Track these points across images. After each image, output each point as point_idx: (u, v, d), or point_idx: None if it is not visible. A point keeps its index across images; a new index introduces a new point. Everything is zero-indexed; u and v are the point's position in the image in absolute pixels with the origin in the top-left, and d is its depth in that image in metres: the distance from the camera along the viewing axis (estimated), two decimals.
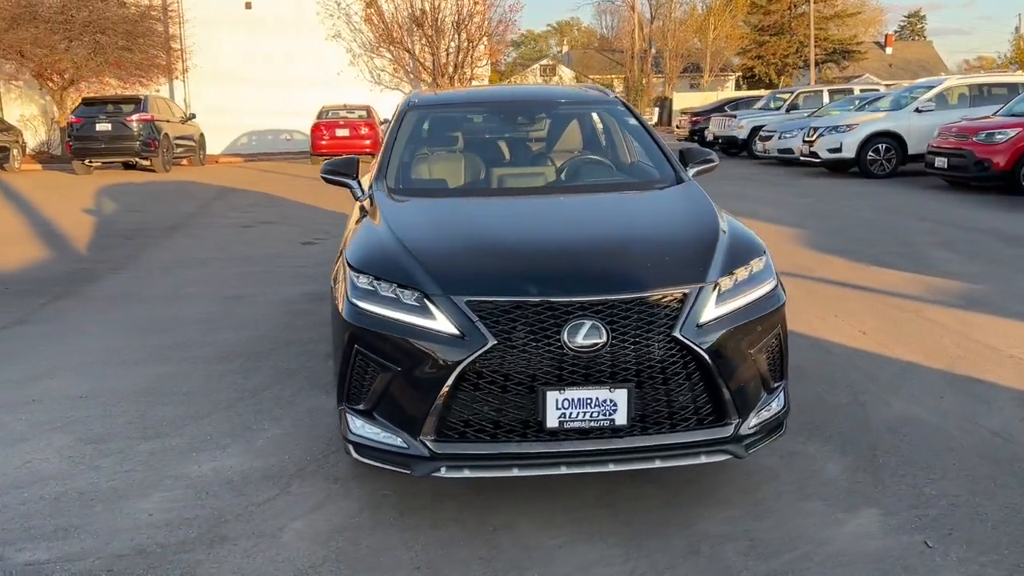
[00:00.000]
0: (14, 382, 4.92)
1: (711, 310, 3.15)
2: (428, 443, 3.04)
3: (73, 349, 5.55)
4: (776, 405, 3.42)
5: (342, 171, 4.40)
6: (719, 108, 26.22)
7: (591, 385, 3.01)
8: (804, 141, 16.82)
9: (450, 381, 2.99)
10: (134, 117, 19.22)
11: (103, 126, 19.15)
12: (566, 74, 57.58)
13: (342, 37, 27.46)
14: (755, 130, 20.75)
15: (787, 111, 21.60)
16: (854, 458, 3.77)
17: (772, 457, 3.75)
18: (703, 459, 3.17)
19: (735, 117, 22.61)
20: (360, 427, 3.23)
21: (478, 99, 5.30)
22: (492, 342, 2.98)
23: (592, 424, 3.04)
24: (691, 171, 4.47)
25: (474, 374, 3.01)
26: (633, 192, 4.23)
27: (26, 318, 6.45)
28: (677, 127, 29.80)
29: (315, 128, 22.22)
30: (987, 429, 4.03)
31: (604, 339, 3.00)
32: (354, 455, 3.27)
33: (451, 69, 27.64)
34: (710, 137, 23.22)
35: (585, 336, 2.99)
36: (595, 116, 5.07)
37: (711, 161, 4.58)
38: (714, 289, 3.20)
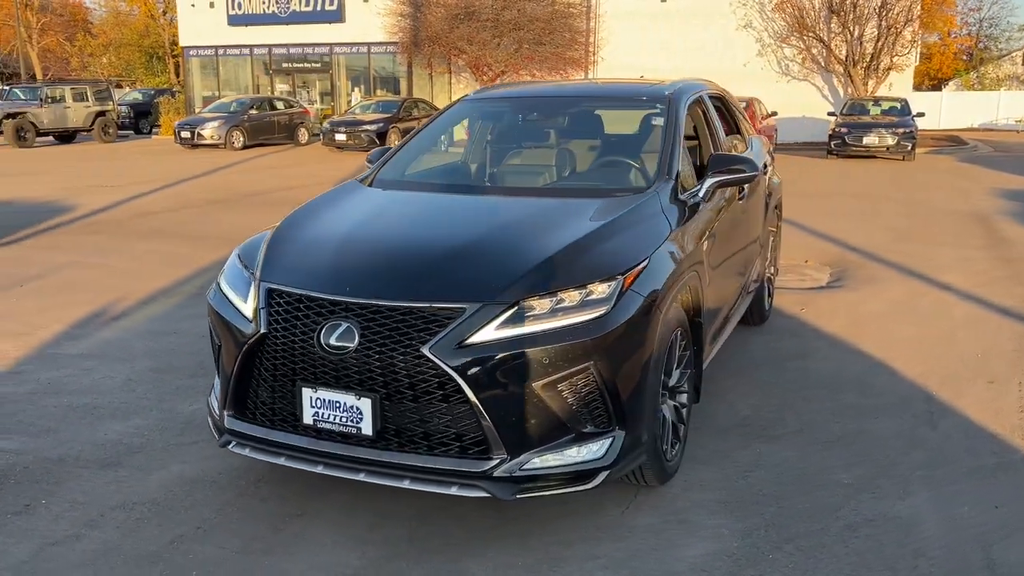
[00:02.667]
0: None
1: (488, 331, 2.86)
2: (226, 417, 3.27)
3: None
4: (586, 453, 2.96)
5: None
6: None
7: (340, 389, 2.97)
8: None
9: (238, 362, 3.17)
10: None
11: None
12: None
13: (752, 27, 26.86)
14: None
15: None
16: None
17: None
18: (455, 491, 2.90)
19: None
20: (209, 394, 3.59)
21: (534, 94, 5.13)
22: (263, 330, 3.10)
23: (341, 428, 3.00)
24: (709, 181, 3.92)
25: (254, 359, 3.16)
26: (585, 199, 3.80)
27: None
28: None
29: None
30: None
31: (355, 343, 2.93)
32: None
33: (867, 58, 25.43)
34: None
35: (338, 337, 2.95)
36: (645, 116, 4.59)
37: (736, 172, 3.94)
38: (508, 309, 2.89)
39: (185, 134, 23.09)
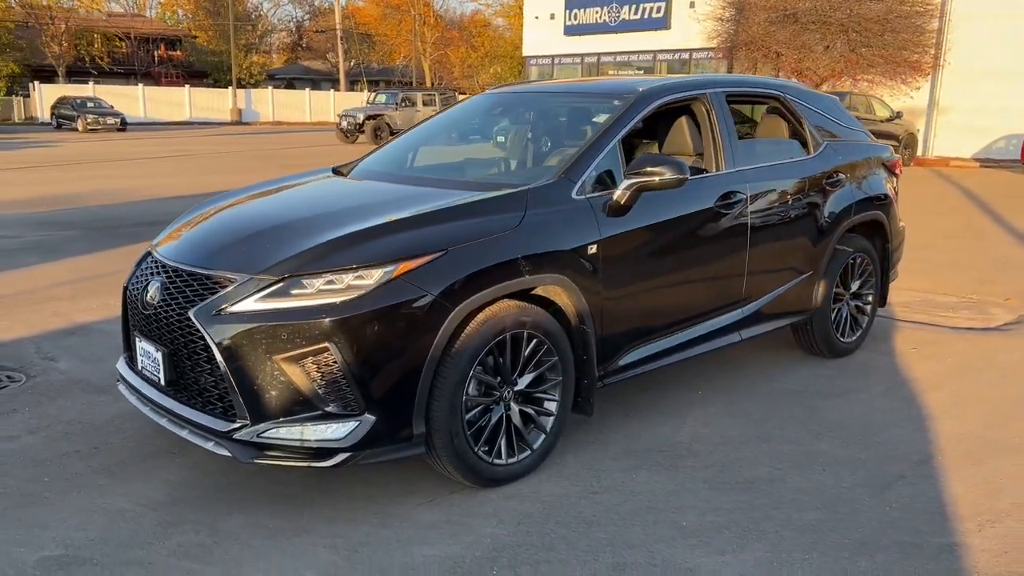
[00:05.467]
0: None
1: (248, 303, 3.07)
2: (120, 360, 3.82)
3: None
4: (327, 432, 3.02)
5: None
6: None
7: (149, 340, 3.36)
8: None
9: (122, 310, 3.73)
10: None
11: None
12: None
13: None
14: None
15: None
16: None
17: None
18: (211, 447, 3.13)
19: None
20: None
21: (514, 91, 4.93)
22: (125, 283, 3.61)
23: (150, 375, 3.40)
24: (626, 182, 3.69)
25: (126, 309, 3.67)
26: (450, 191, 3.70)
27: None
28: None
29: None
30: None
31: (157, 300, 3.30)
32: None
33: None
34: None
35: (151, 295, 3.35)
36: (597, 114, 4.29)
37: (656, 174, 3.63)
38: (273, 284, 3.07)
39: None
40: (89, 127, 33.48)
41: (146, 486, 3.43)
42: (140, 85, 44.93)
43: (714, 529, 3.14)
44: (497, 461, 3.39)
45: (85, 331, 5.61)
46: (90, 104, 35.33)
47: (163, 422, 3.35)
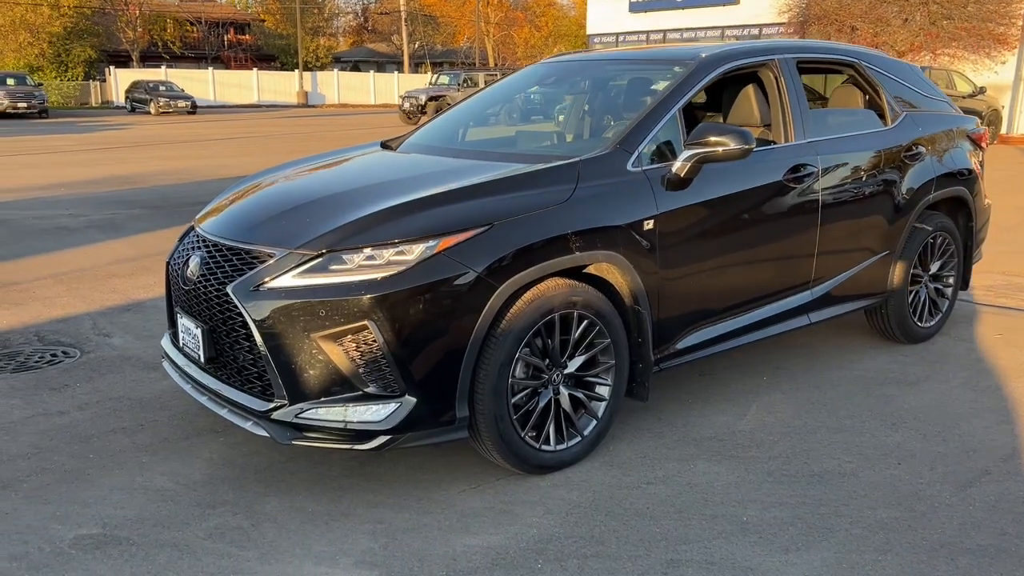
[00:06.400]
0: None
1: (286, 278, 2.95)
2: (164, 337, 3.76)
3: None
4: (366, 413, 2.89)
5: None
6: None
7: (190, 316, 3.28)
8: None
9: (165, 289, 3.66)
10: None
11: None
12: None
13: None
14: None
15: None
16: None
17: None
18: (249, 427, 3.04)
19: None
20: None
21: (583, 59, 4.67)
22: (168, 258, 3.53)
23: (191, 352, 3.31)
24: (686, 153, 3.47)
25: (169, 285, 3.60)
26: (501, 163, 3.51)
27: None
28: None
29: None
30: None
31: (197, 275, 3.21)
32: None
33: None
34: None
35: (191, 270, 3.26)
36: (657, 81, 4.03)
37: (719, 144, 3.40)
38: (312, 259, 2.94)
39: None
40: (161, 110, 34.25)
41: (187, 465, 3.36)
42: (210, 69, 45.80)
43: (777, 525, 2.92)
44: (545, 447, 3.23)
45: (140, 308, 5.63)
46: (162, 88, 36.14)
47: (204, 400, 3.27)
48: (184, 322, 3.34)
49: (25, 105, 30.87)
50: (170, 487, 3.19)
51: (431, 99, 29.00)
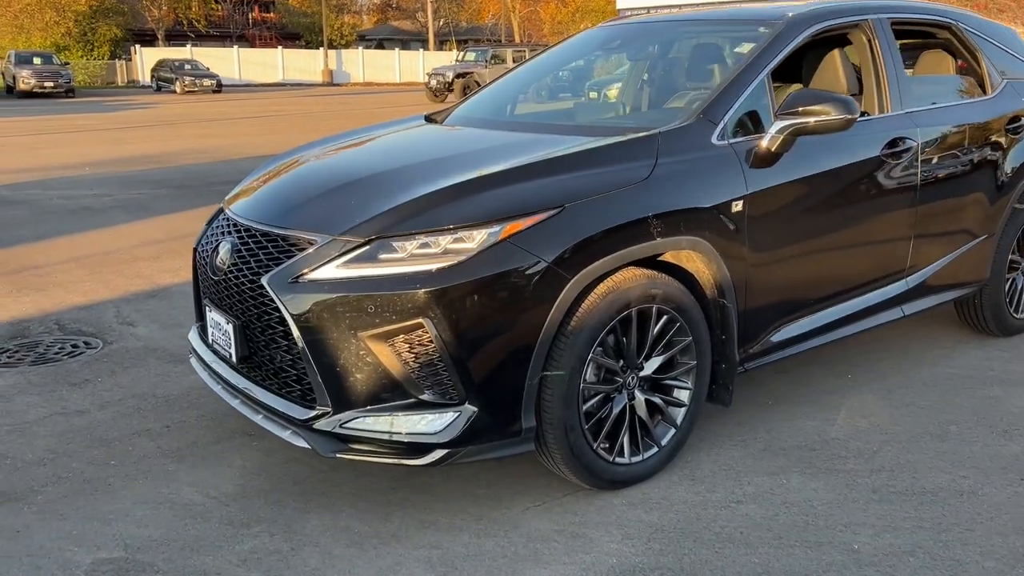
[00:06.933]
0: None
1: (329, 268, 2.57)
2: (192, 330, 3.41)
3: None
4: (420, 424, 2.52)
5: None
6: None
7: (220, 310, 2.92)
8: None
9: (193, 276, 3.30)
10: None
11: None
12: None
13: None
14: None
15: None
16: None
17: None
18: (287, 436, 2.68)
19: None
20: None
21: (650, 20, 4.22)
22: (196, 244, 3.17)
23: (221, 350, 2.96)
24: (779, 124, 3.05)
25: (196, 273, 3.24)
26: (569, 136, 3.11)
27: None
28: None
29: None
30: None
31: (229, 264, 2.85)
32: None
33: None
34: None
35: (221, 257, 2.90)
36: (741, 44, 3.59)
37: (817, 113, 2.97)
38: (358, 247, 2.56)
39: None
40: (186, 89, 34.04)
41: (217, 475, 3.02)
42: (235, 47, 45.50)
43: (895, 555, 2.52)
44: (619, 460, 2.84)
45: (166, 294, 5.30)
46: (187, 67, 35.92)
47: (235, 404, 2.92)
48: (214, 316, 2.98)
49: (52, 84, 30.79)
50: (199, 501, 2.85)
51: (458, 76, 28.56)
